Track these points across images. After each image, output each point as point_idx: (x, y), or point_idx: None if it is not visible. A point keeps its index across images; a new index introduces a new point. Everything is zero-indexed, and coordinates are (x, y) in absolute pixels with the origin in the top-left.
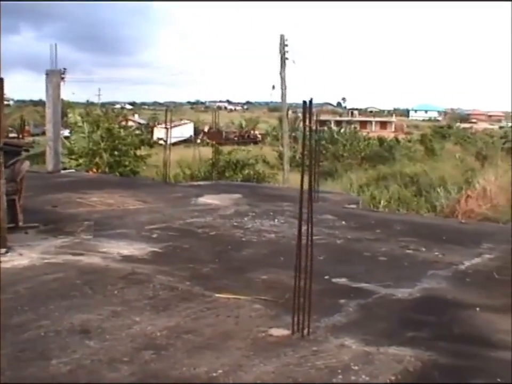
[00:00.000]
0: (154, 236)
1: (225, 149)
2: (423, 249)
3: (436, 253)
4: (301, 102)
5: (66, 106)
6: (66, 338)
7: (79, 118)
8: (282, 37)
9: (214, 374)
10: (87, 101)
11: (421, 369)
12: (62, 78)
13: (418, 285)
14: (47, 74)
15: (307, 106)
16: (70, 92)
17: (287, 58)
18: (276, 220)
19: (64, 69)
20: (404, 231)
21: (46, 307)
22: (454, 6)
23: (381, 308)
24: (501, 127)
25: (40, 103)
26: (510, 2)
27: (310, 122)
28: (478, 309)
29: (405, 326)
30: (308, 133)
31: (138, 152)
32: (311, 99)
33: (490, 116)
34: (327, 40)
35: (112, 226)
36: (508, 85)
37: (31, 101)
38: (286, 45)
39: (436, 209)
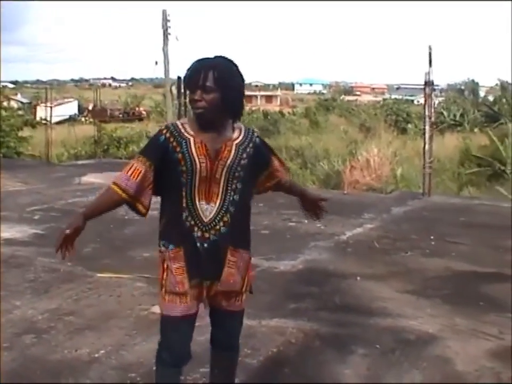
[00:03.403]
0: (36, 217)
1: (110, 126)
2: (305, 221)
3: (318, 225)
4: None
5: None
6: None
7: None
8: (164, 12)
9: (96, 355)
10: None
11: (302, 340)
12: None
13: (300, 257)
14: None
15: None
16: None
17: (169, 34)
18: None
19: None
20: (287, 204)
21: None
22: None
23: (264, 281)
24: (384, 99)
25: None
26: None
27: (185, 97)
28: (358, 278)
29: (288, 298)
30: (183, 108)
31: (20, 133)
32: None
33: (373, 88)
34: (212, 15)
35: None
36: (389, 57)
37: None
38: (169, 20)
39: (321, 181)
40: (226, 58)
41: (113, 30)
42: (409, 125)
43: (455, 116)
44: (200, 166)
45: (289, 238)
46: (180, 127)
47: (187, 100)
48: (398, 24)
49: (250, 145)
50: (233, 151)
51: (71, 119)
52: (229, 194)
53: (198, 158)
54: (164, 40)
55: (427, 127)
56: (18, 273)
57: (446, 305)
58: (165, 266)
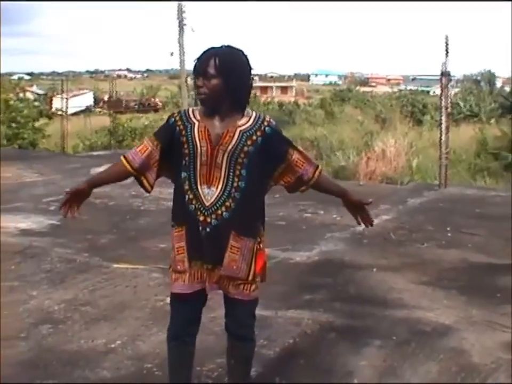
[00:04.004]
0: (52, 208)
1: (126, 117)
2: (321, 212)
3: (334, 216)
4: None
5: None
6: None
7: None
8: (179, 3)
9: (112, 345)
10: None
11: (318, 331)
12: None
13: (316, 248)
14: None
15: None
16: None
17: (185, 25)
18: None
19: None
20: (303, 195)
21: None
22: None
23: (279, 272)
24: (400, 91)
25: None
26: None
27: None
28: (374, 269)
29: (303, 289)
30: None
31: (36, 124)
32: None
33: (389, 79)
34: (228, 5)
35: (9, 200)
36: (405, 48)
37: None
38: (184, 11)
39: (337, 172)
40: (232, 47)
41: (129, 21)
42: (425, 116)
43: (471, 106)
44: (201, 150)
45: (304, 229)
46: (190, 112)
47: None
48: (415, 15)
49: (258, 133)
50: (235, 137)
51: (86, 110)
52: (231, 179)
53: (200, 142)
54: (179, 31)
55: (443, 118)
56: (35, 264)
57: (462, 297)
58: (172, 245)
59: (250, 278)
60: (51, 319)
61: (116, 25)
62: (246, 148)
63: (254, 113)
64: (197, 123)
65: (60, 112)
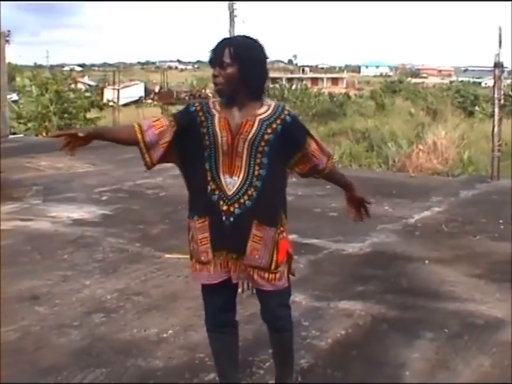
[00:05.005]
0: (104, 198)
1: (176, 108)
2: (373, 204)
3: (386, 207)
4: None
5: (15, 70)
6: (15, 305)
7: (27, 81)
8: None
9: (165, 335)
10: (35, 63)
11: (370, 323)
12: (7, 41)
13: (368, 240)
14: None
15: None
16: (17, 55)
17: (235, 16)
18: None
19: (8, 31)
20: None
21: None
22: None
23: (331, 263)
24: (451, 82)
25: None
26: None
27: None
28: (426, 261)
29: (355, 280)
30: None
31: (88, 115)
32: None
33: (440, 71)
34: None
35: (61, 190)
36: (457, 39)
37: None
38: (235, 2)
39: (388, 164)
40: (247, 36)
41: (180, 12)
42: (477, 108)
43: None
44: (221, 140)
45: None
46: (210, 104)
47: None
48: (467, 5)
49: (278, 121)
50: (255, 126)
51: (138, 101)
52: (252, 168)
53: (220, 133)
54: (230, 22)
55: (496, 110)
56: (87, 253)
57: None
58: (190, 236)
59: (272, 267)
60: (104, 308)
61: (167, 16)
62: (266, 136)
63: (273, 103)
64: (217, 114)
65: (111, 103)
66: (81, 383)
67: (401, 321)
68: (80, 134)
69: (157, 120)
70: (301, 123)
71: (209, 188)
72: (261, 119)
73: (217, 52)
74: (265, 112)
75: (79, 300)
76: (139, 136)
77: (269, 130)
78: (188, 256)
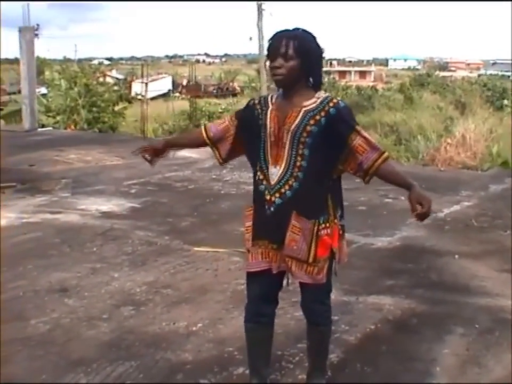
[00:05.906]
0: (133, 191)
1: (204, 102)
2: (402, 197)
3: None
4: None
5: (43, 64)
6: (44, 297)
7: (56, 74)
8: None
9: (194, 328)
10: (64, 57)
11: (400, 318)
12: (36, 34)
13: (397, 234)
14: (19, 30)
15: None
16: (45, 49)
17: (263, 9)
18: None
19: (37, 24)
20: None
21: (24, 267)
22: None
23: (360, 257)
24: (479, 75)
25: (15, 61)
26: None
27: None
28: (456, 256)
29: (384, 274)
30: None
31: (116, 108)
32: None
33: (469, 64)
34: None
35: (90, 183)
36: (485, 32)
37: (6, 59)
38: (263, 3)
39: (416, 158)
40: (305, 30)
41: (207, 5)
42: (505, 101)
43: None
44: (270, 131)
45: (385, 214)
46: (269, 98)
47: None
48: None
49: (322, 113)
50: (299, 117)
51: (165, 95)
52: (293, 158)
53: (270, 124)
54: (258, 15)
55: None
56: (116, 246)
57: None
58: (243, 224)
59: (310, 260)
60: (133, 301)
61: (195, 9)
62: (308, 128)
63: (323, 95)
64: (271, 106)
65: (139, 97)
66: (111, 375)
67: (431, 316)
68: (147, 145)
69: (220, 120)
70: (347, 117)
71: (257, 177)
72: (306, 110)
73: (281, 44)
74: (312, 104)
75: (108, 292)
76: (204, 134)
77: (312, 122)
78: (216, 250)
